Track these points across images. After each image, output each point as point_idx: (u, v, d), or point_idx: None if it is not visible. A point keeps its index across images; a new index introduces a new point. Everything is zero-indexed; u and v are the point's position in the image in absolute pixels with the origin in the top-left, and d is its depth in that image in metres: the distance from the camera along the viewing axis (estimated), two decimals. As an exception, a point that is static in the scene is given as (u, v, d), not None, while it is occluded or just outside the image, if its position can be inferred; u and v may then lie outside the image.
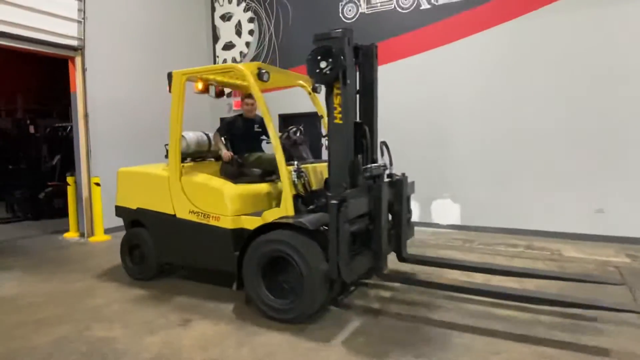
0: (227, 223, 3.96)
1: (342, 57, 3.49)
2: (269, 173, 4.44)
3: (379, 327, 3.48)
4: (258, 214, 3.97)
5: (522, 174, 6.57)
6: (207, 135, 4.98)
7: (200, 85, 4.43)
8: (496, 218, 6.76)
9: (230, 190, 4.06)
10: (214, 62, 9.59)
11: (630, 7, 5.82)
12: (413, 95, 7.31)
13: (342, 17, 7.95)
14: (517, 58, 6.56)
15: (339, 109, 3.58)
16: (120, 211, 4.91)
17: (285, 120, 8.13)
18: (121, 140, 7.53)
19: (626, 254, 5.40)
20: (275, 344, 3.20)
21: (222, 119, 4.95)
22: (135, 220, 4.75)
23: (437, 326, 3.45)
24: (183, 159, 4.56)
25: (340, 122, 3.59)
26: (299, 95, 5.43)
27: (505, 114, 6.67)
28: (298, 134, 4.75)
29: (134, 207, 4.69)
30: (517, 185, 6.61)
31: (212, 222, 4.04)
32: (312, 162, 4.48)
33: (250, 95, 4.64)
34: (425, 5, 7.21)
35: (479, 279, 4.29)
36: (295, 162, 3.90)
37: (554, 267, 4.96)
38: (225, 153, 4.49)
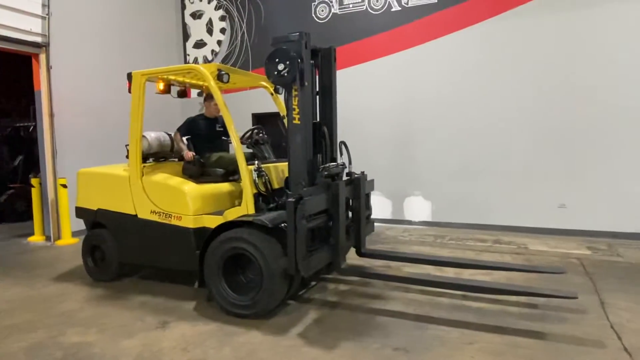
0: (188, 222, 4.03)
1: (298, 60, 3.62)
2: (232, 173, 4.49)
3: (335, 318, 3.62)
4: (220, 213, 4.03)
5: (490, 171, 6.82)
6: (169, 135, 4.97)
7: (160, 86, 4.51)
8: (466, 214, 7.00)
9: (192, 189, 4.13)
10: (185, 61, 9.44)
11: (595, 10, 6.16)
12: (386, 95, 7.45)
13: (314, 17, 8.00)
14: (484, 60, 6.81)
15: (297, 109, 3.72)
16: (80, 212, 4.87)
17: (259, 120, 8.12)
18: (88, 140, 7.29)
19: (587, 246, 5.72)
20: (256, 343, 3.23)
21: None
22: (96, 222, 4.72)
23: (395, 317, 3.58)
24: (145, 159, 4.61)
25: (299, 122, 3.73)
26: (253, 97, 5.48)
27: (473, 113, 6.90)
28: (260, 134, 4.81)
29: (95, 208, 4.67)
30: (485, 183, 6.85)
31: (174, 222, 4.09)
32: (273, 162, 4.58)
33: (212, 96, 4.64)
34: (396, 7, 7.36)
35: (449, 272, 4.48)
36: (256, 162, 4.02)
37: (520, 260, 5.19)
38: (187, 153, 4.51)
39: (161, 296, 4.22)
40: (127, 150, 4.49)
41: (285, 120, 4.32)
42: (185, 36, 9.46)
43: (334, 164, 4.14)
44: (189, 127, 4.81)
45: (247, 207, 3.85)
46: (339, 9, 7.81)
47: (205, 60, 9.20)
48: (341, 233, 3.80)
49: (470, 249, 5.74)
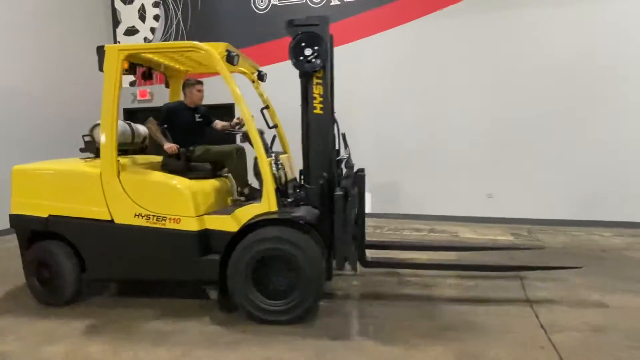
0: (191, 225, 3.50)
1: (326, 44, 3.42)
2: (219, 167, 4.13)
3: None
4: (221, 212, 3.67)
5: (424, 164, 7.13)
6: (129, 124, 4.37)
7: (125, 64, 3.74)
8: (402, 205, 7.26)
9: (191, 187, 3.61)
10: (115, 48, 8.85)
11: (523, 10, 6.58)
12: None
13: (253, 7, 7.86)
14: (418, 57, 7.06)
15: (320, 98, 3.49)
16: (17, 221, 3.90)
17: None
18: (17, 134, 6.72)
19: (511, 232, 6.17)
20: (193, 342, 3.14)
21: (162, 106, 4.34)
22: (44, 232, 3.81)
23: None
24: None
25: (321, 112, 3.51)
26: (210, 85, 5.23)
27: (407, 109, 7.16)
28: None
29: (44, 215, 3.77)
30: (420, 175, 7.16)
31: (170, 226, 3.53)
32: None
33: (200, 82, 4.21)
34: (335, 1, 7.41)
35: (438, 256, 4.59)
36: (273, 154, 3.67)
37: (452, 247, 5.49)
38: (170, 145, 3.97)
39: (98, 302, 3.96)
40: (85, 142, 3.91)
41: (269, 111, 4.09)
42: (115, 22, 8.89)
43: (345, 156, 3.91)
44: (169, 116, 4.18)
45: (269, 204, 3.41)
46: (279, 0, 7.73)
47: (138, 48, 8.70)
48: (365, 225, 3.76)
49: (407, 238, 5.97)
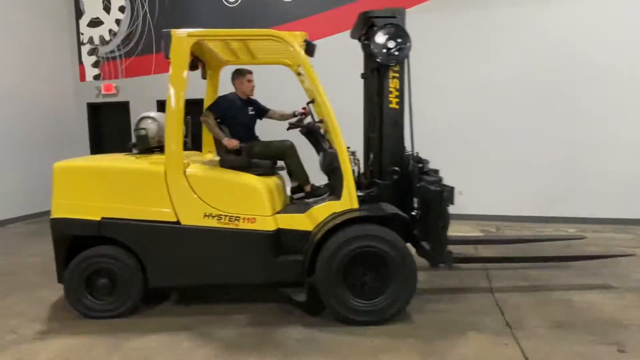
0: (266, 225, 3.34)
1: (408, 37, 3.40)
2: (275, 163, 3.90)
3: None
4: (291, 210, 3.57)
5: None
6: None
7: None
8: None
9: (265, 185, 3.44)
10: (78, 40, 8.50)
11: (474, 12, 6.66)
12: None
13: (223, 0, 7.66)
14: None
15: (396, 93, 3.45)
16: (62, 225, 3.40)
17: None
18: None
19: (480, 229, 6.26)
20: (151, 348, 3.00)
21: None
22: (95, 237, 3.39)
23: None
24: (150, 150, 3.79)
25: (397, 107, 3.50)
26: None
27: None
28: (314, 122, 3.96)
29: (96, 218, 3.37)
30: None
31: (244, 226, 3.33)
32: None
33: (250, 71, 3.95)
34: (307, -5, 7.30)
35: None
36: (350, 150, 3.57)
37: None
38: (230, 140, 3.66)
39: (44, 306, 3.73)
40: (138, 137, 3.70)
41: (316, 105, 3.80)
42: (78, 13, 8.52)
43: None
44: (226, 109, 3.84)
45: (350, 201, 3.31)
46: (250, -7, 7.57)
47: (103, 41, 8.38)
48: None
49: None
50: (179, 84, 3.33)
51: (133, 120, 4.78)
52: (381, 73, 3.51)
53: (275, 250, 3.36)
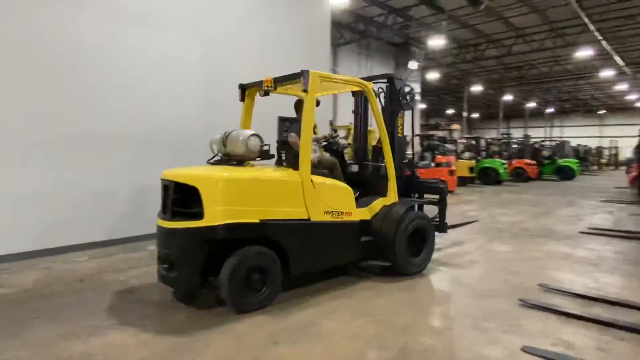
0: (356, 216, 4.68)
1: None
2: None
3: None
4: (358, 206, 4.82)
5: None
6: (257, 135, 4.46)
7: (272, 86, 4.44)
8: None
9: (351, 188, 4.78)
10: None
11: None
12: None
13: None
14: None
15: (401, 127, 5.34)
16: (231, 229, 3.77)
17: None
18: None
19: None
20: (121, 345, 3.04)
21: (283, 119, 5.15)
22: (251, 238, 3.94)
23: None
24: (245, 161, 4.44)
25: (401, 135, 5.37)
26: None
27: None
28: (336, 139, 5.50)
29: (256, 220, 3.93)
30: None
31: (346, 218, 4.58)
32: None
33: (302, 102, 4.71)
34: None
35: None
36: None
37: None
38: (316, 156, 4.90)
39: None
40: (263, 152, 4.42)
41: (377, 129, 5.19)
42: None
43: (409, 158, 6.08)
44: (299, 131, 4.61)
45: (394, 197, 4.97)
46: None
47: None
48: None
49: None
50: (310, 112, 4.33)
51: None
52: (395, 114, 5.32)
53: (360, 235, 4.69)
